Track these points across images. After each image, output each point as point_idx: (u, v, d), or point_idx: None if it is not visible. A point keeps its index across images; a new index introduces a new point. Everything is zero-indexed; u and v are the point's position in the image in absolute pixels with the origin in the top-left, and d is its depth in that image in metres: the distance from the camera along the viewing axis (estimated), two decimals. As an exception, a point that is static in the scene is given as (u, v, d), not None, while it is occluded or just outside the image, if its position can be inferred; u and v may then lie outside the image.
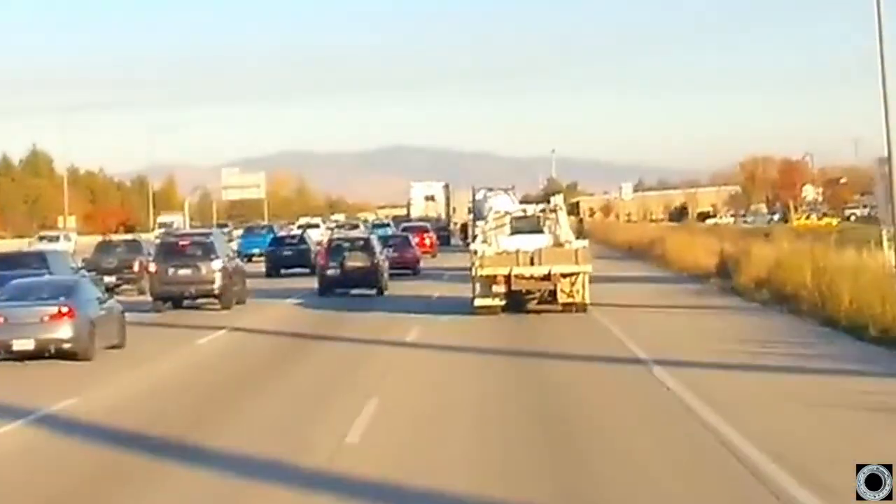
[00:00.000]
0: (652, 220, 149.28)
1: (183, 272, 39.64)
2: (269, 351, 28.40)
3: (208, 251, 40.43)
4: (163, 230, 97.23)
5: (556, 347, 26.37)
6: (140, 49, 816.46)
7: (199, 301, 40.38)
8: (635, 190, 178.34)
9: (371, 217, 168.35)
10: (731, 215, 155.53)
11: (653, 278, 48.58)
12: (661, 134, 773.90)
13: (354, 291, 44.44)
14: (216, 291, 39.64)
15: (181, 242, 42.25)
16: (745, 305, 34.65)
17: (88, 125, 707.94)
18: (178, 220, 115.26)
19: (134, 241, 56.21)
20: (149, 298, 40.56)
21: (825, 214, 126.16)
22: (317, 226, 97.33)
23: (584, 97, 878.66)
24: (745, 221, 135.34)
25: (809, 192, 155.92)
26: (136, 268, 48.65)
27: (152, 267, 40.81)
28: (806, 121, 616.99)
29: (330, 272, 45.12)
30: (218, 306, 39.53)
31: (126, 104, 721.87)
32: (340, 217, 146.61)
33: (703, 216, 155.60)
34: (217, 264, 39.81)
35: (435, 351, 26.74)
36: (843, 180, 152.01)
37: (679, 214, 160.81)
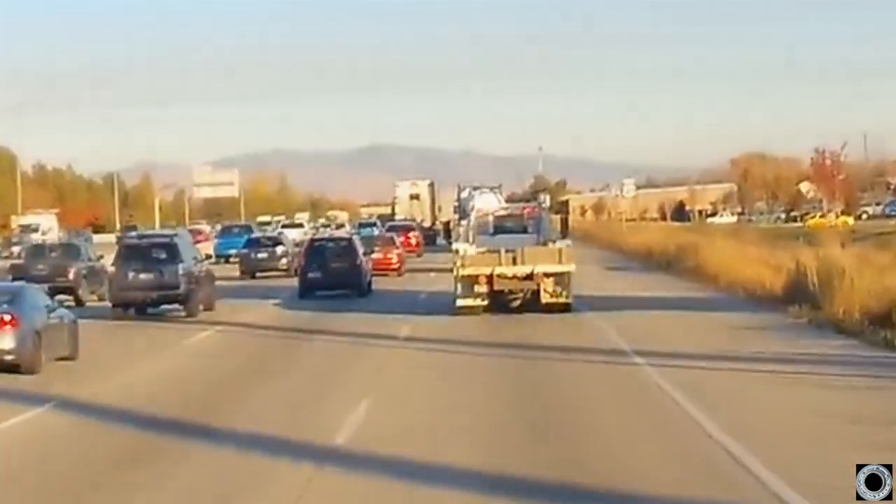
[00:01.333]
0: (652, 220, 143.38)
1: (144, 277, 37.38)
2: (74, 474, 15.47)
3: (172, 254, 37.94)
4: (36, 234, 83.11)
5: (618, 473, 14.31)
6: (127, 46, 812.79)
7: (164, 307, 38.14)
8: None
9: (341, 215, 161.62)
10: (736, 213, 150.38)
11: (698, 302, 36.39)
12: (649, 131, 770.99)
13: (336, 293, 42.91)
14: (180, 297, 37.57)
15: (143, 244, 39.65)
16: (878, 357, 23.64)
17: (67, 123, 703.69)
18: (47, 222, 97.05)
19: (70, 244, 50.39)
20: (89, 308, 38.11)
21: (842, 213, 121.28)
22: (300, 225, 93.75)
23: (571, 94, 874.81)
24: (749, 220, 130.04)
25: (805, 189, 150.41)
26: (71, 275, 43.48)
27: (111, 271, 38.73)
28: (796, 118, 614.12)
29: (311, 274, 43.91)
30: (183, 313, 37.64)
31: (107, 103, 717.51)
32: (304, 215, 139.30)
33: (703, 215, 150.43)
34: (181, 268, 37.36)
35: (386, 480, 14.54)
36: (841, 176, 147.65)
37: (679, 213, 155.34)
